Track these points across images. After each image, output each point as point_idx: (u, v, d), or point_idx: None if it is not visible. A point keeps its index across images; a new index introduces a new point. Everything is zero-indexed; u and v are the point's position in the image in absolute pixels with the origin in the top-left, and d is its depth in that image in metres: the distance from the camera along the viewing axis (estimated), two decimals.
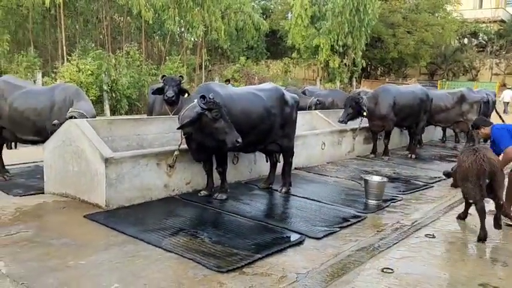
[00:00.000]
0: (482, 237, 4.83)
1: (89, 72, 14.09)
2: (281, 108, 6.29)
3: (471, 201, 5.06)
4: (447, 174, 6.26)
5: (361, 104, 8.99)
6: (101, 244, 4.37)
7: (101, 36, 19.52)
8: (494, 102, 12.59)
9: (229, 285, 3.60)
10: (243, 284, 3.63)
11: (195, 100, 5.42)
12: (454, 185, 6.05)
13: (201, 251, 4.21)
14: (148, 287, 3.53)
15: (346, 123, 9.13)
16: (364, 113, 9.09)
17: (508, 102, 26.16)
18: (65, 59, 15.52)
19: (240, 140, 5.22)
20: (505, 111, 24.96)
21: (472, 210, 5.25)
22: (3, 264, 3.80)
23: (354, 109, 9.00)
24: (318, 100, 11.19)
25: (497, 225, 5.19)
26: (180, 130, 5.58)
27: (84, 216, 5.07)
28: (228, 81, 12.03)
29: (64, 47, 16.40)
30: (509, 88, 28.33)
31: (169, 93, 7.12)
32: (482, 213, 4.86)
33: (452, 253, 4.50)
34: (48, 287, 3.45)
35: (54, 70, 14.64)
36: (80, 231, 4.70)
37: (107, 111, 14.50)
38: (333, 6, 23.00)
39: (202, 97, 5.28)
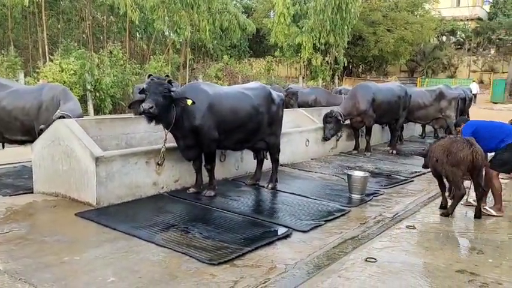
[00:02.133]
0: (450, 213, 5.55)
1: (72, 71, 14.03)
2: (268, 106, 6.46)
3: (455, 186, 5.46)
4: (421, 154, 6.51)
5: (336, 117, 9.22)
6: (94, 241, 4.48)
7: (84, 36, 19.38)
8: (470, 99, 13.00)
9: (221, 276, 3.76)
10: (234, 275, 3.79)
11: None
12: (426, 166, 6.36)
13: (192, 245, 4.36)
14: (143, 280, 3.67)
15: (330, 138, 9.38)
16: (343, 122, 9.37)
17: (475, 94, 28.03)
18: (47, 58, 15.41)
19: (145, 106, 5.27)
20: (473, 101, 26.75)
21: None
22: (0, 261, 3.89)
23: (333, 122, 9.23)
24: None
25: (478, 215, 5.50)
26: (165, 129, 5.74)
27: (76, 214, 5.16)
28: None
29: (46, 47, 16.27)
30: (474, 81, 30.44)
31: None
32: (460, 199, 5.48)
33: (432, 242, 4.74)
34: (46, 281, 3.56)
35: (37, 70, 14.54)
36: (72, 229, 4.79)
37: (91, 110, 14.46)
38: (315, 4, 23.26)
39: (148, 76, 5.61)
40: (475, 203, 5.66)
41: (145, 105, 5.30)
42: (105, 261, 3.99)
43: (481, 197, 5.60)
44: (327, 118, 9.25)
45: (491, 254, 4.45)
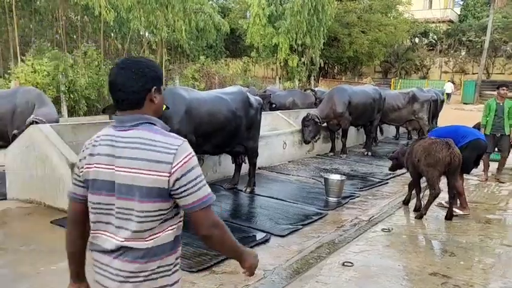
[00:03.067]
0: (424, 214, 5.77)
1: (45, 73, 13.71)
2: (246, 111, 6.49)
3: (431, 186, 5.63)
4: (391, 158, 6.72)
5: (314, 119, 9.34)
6: None
7: (57, 36, 18.96)
8: (442, 101, 13.35)
9: (201, 284, 3.78)
10: (213, 283, 3.82)
11: None
12: (393, 169, 6.56)
13: None
14: None
15: (310, 141, 9.49)
16: (321, 124, 9.50)
17: (449, 94, 29.61)
18: (19, 59, 15.03)
19: None
20: (447, 101, 28.03)
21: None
22: None
23: (311, 125, 9.35)
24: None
25: (450, 216, 5.68)
26: None
27: (51, 222, 5.09)
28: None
29: (17, 47, 15.86)
30: (450, 81, 31.78)
31: None
32: (434, 199, 5.66)
33: (406, 245, 4.87)
34: None
35: (8, 71, 14.16)
36: (48, 237, 4.72)
37: (65, 112, 14.17)
38: (291, 5, 23.38)
39: None
40: (447, 205, 5.85)
41: None
42: None
43: (453, 199, 5.80)
44: (305, 122, 9.36)
45: (463, 256, 4.61)
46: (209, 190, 1.73)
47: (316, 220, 5.58)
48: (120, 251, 1.70)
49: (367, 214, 5.97)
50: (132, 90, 1.73)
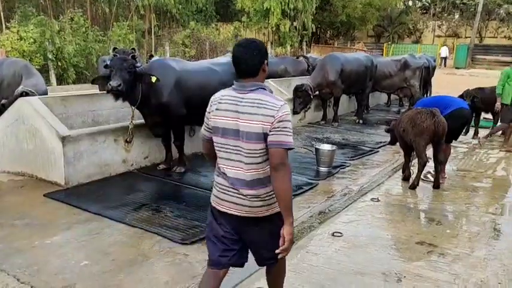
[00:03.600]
0: (416, 185, 5.79)
1: (32, 40, 13.44)
2: None
3: (418, 155, 5.72)
4: (388, 131, 6.73)
5: (306, 90, 9.28)
6: (65, 223, 4.47)
7: (42, 1, 18.45)
8: (434, 68, 13.32)
9: (194, 255, 3.86)
10: (206, 254, 3.86)
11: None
12: (392, 143, 6.60)
13: (164, 224, 4.44)
14: (116, 262, 3.73)
15: (299, 112, 9.47)
16: (313, 96, 9.45)
17: (445, 57, 29.65)
18: (4, 26, 14.66)
19: (113, 84, 5.21)
20: (442, 65, 28.12)
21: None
22: None
23: (303, 97, 9.30)
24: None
25: (437, 185, 5.80)
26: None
27: (44, 195, 5.12)
28: (151, 56, 12.06)
29: (1, 13, 15.44)
30: (445, 45, 31.66)
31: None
32: (423, 167, 5.74)
33: (394, 215, 4.98)
34: (18, 267, 3.57)
35: None
36: (41, 211, 4.76)
37: (53, 80, 13.98)
38: None
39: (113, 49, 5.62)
40: (432, 178, 5.98)
41: (113, 83, 5.21)
42: (77, 244, 4.02)
43: (441, 165, 5.90)
44: (297, 92, 9.31)
45: (449, 224, 4.74)
46: (291, 140, 2.32)
47: (307, 190, 5.67)
48: (237, 178, 2.40)
49: (357, 183, 6.07)
50: (253, 63, 2.38)
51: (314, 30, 27.33)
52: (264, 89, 2.39)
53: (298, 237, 4.30)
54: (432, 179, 6.00)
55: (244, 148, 2.35)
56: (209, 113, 2.48)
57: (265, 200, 2.43)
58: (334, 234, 4.37)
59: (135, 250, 3.94)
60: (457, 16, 38.24)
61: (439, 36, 37.73)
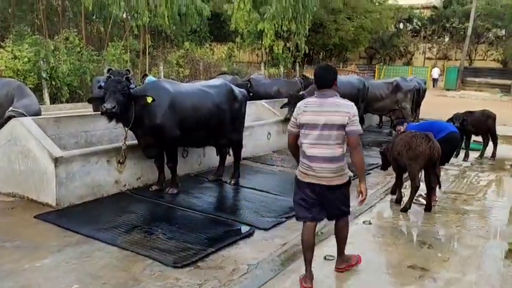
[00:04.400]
0: (408, 208, 5.83)
1: (26, 59, 13.43)
2: (230, 104, 6.51)
3: (412, 179, 5.77)
4: (382, 153, 6.78)
5: (303, 97, 9.36)
6: (55, 245, 4.43)
7: (37, 21, 18.56)
8: (424, 90, 13.53)
9: (185, 279, 3.84)
10: (198, 278, 3.89)
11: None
12: (385, 167, 6.63)
13: (156, 247, 4.41)
14: (107, 285, 3.71)
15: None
16: None
17: (436, 79, 30.33)
18: None
19: (108, 106, 5.27)
20: (433, 86, 28.73)
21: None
22: None
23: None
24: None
25: (429, 207, 5.84)
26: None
27: (35, 217, 5.08)
28: (145, 75, 12.18)
29: None
30: (437, 67, 32.34)
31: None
32: (416, 191, 5.80)
33: (386, 238, 5.00)
34: None
35: None
36: (32, 233, 4.72)
37: (47, 99, 13.93)
38: None
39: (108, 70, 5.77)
40: (423, 201, 6.02)
41: (107, 106, 5.28)
42: (67, 267, 3.98)
43: (432, 189, 5.95)
44: (295, 99, 9.38)
45: (440, 248, 4.76)
46: (360, 127, 3.63)
47: None
48: (319, 156, 3.59)
49: (350, 205, 6.06)
50: (329, 79, 3.68)
51: (307, 51, 27.59)
52: (336, 95, 3.66)
53: (290, 260, 4.30)
54: (423, 202, 6.04)
55: (326, 135, 3.56)
56: (298, 114, 3.70)
57: (338, 172, 3.65)
58: (326, 257, 4.37)
59: (126, 274, 3.91)
60: (447, 39, 38.92)
61: (429, 59, 38.31)
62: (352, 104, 3.62)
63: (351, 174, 3.86)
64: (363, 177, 3.78)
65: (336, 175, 3.64)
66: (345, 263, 4.09)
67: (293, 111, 9.36)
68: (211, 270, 4.05)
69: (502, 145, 9.73)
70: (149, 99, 5.50)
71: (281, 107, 9.85)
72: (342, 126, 3.53)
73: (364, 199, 3.80)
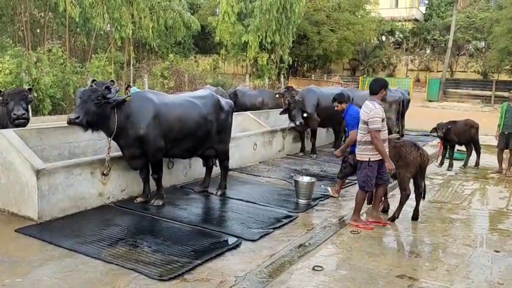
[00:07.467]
0: (396, 218, 5.84)
1: (8, 71, 13.23)
2: (217, 114, 6.47)
3: (403, 188, 5.82)
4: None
5: (302, 102, 9.52)
6: (37, 259, 4.31)
7: (20, 33, 18.33)
8: (408, 101, 13.68)
9: None
10: None
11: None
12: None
13: (141, 260, 4.32)
14: None
15: (303, 122, 9.65)
16: (305, 114, 9.58)
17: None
18: None
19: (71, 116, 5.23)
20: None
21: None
22: None
23: (297, 107, 9.60)
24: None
25: (416, 216, 5.85)
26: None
27: (16, 231, 4.95)
28: (128, 86, 12.08)
29: None
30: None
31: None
32: (406, 199, 5.83)
33: (374, 248, 4.98)
34: None
35: None
36: (12, 247, 4.59)
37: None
38: (260, 3, 23.38)
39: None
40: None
41: (71, 115, 5.29)
42: (50, 283, 3.87)
43: (420, 196, 5.97)
44: (298, 104, 9.54)
45: (428, 257, 4.76)
46: (378, 125, 5.32)
47: (286, 223, 5.63)
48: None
49: (337, 216, 6.07)
50: (375, 88, 5.52)
51: (291, 63, 27.80)
52: (374, 100, 5.42)
53: (277, 272, 4.25)
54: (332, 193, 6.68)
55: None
56: (382, 112, 5.41)
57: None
58: (315, 268, 4.33)
59: None
60: (428, 51, 39.59)
61: (412, 70, 38.91)
62: (376, 108, 5.37)
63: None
64: (386, 157, 5.43)
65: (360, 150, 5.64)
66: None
67: (298, 116, 9.53)
68: (198, 283, 3.97)
69: (485, 154, 9.84)
70: (128, 99, 5.54)
71: (280, 113, 10.00)
72: (367, 122, 5.42)
73: (391, 170, 5.45)
